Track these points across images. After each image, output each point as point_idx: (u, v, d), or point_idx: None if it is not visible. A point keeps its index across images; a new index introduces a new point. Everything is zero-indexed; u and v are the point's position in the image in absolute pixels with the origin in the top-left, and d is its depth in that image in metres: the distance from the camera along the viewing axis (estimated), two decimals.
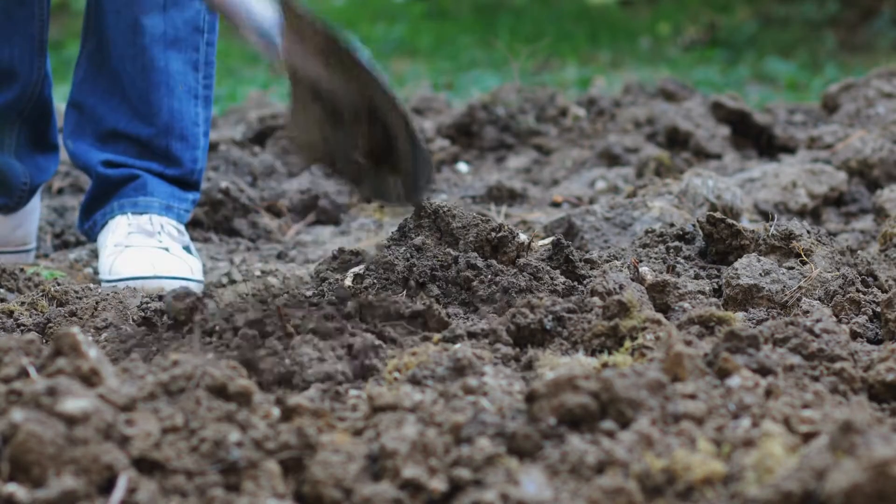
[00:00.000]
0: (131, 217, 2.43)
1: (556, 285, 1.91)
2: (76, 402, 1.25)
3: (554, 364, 1.61)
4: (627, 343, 1.65)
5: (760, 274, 1.97)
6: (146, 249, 2.37)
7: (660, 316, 1.69)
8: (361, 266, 2.08)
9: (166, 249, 2.39)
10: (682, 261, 2.14)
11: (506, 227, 2.04)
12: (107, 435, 1.25)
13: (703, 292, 1.92)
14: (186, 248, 2.44)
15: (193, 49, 2.41)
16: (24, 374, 1.38)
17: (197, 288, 2.32)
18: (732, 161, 3.61)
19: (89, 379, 1.36)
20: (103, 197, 2.48)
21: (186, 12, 2.41)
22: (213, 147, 3.38)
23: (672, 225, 2.27)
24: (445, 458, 1.28)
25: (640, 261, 2.09)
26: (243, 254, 2.79)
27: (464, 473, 1.25)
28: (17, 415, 1.23)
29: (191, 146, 2.47)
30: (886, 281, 2.05)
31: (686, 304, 1.88)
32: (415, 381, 1.52)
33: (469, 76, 6.84)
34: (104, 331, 1.87)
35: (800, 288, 1.95)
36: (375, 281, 1.98)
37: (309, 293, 1.85)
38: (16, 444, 1.21)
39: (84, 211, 2.53)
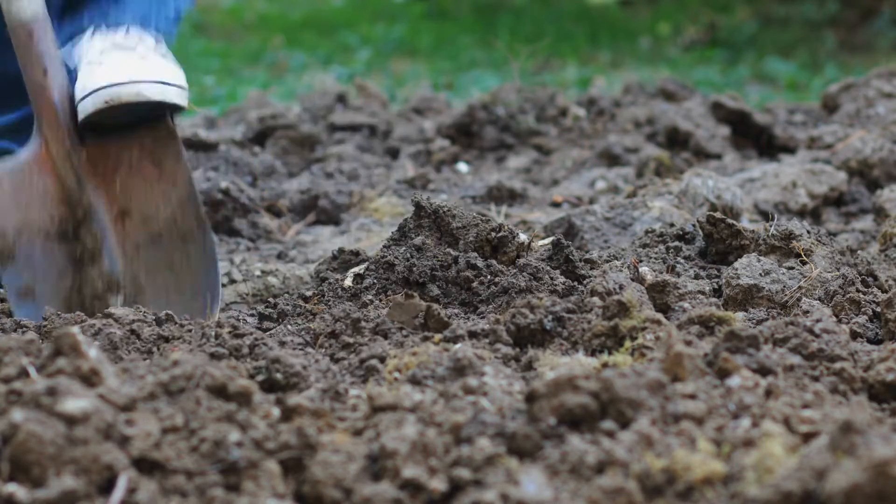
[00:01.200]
0: (103, 33, 2.19)
1: (556, 285, 1.91)
2: (76, 402, 1.25)
3: (554, 364, 1.61)
4: (627, 343, 1.65)
5: (760, 274, 1.97)
6: (122, 61, 2.13)
7: (660, 316, 1.69)
8: (361, 266, 2.09)
9: (143, 59, 2.16)
10: (682, 261, 2.14)
11: (506, 227, 2.04)
12: (107, 435, 1.25)
13: (703, 292, 1.92)
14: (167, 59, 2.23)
15: None
16: (24, 374, 1.38)
17: (178, 93, 2.11)
18: (732, 161, 3.60)
19: (89, 379, 1.36)
20: (76, 4, 2.26)
21: None
22: (213, 147, 3.39)
23: (672, 225, 2.27)
24: (445, 458, 1.28)
25: (640, 261, 2.09)
26: (243, 254, 2.78)
27: (464, 473, 1.25)
28: (17, 415, 1.23)
29: None
30: (886, 281, 2.05)
31: (686, 304, 1.88)
32: (415, 381, 1.52)
33: (469, 76, 6.84)
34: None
35: (800, 288, 1.95)
36: (375, 281, 1.98)
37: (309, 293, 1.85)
38: (16, 444, 1.21)
39: (58, 23, 2.25)
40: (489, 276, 1.95)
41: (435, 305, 1.81)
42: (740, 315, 1.87)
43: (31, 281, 2.04)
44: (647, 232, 2.25)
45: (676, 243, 2.19)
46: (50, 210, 2.06)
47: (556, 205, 3.19)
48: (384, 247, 2.05)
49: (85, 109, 2.05)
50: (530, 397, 1.34)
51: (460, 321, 1.83)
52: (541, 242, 2.09)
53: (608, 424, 1.31)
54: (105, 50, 2.15)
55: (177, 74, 2.14)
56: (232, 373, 1.39)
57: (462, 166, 3.75)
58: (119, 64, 2.11)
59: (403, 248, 2.00)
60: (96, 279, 2.07)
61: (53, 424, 1.23)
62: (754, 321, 1.86)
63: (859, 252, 2.17)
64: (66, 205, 2.06)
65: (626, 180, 3.36)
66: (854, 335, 1.82)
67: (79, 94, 2.11)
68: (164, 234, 2.11)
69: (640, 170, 3.45)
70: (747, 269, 1.97)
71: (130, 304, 2.03)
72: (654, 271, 2.01)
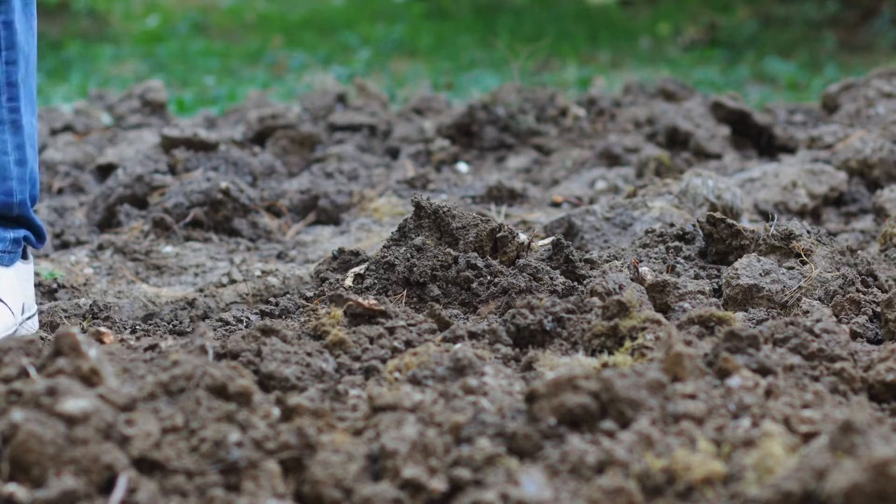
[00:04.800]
0: None
1: (555, 285, 1.91)
2: (76, 402, 1.25)
3: (554, 364, 1.61)
4: (627, 343, 1.65)
5: (760, 274, 1.97)
6: None
7: (660, 316, 1.69)
8: (362, 266, 2.09)
9: None
10: (682, 261, 2.14)
11: (506, 227, 2.04)
12: (107, 435, 1.25)
13: (703, 292, 1.92)
14: None
15: None
16: (24, 374, 1.38)
17: None
18: (732, 161, 3.61)
19: (89, 379, 1.36)
20: None
21: None
22: (213, 147, 3.39)
23: (672, 225, 2.27)
24: (445, 458, 1.28)
25: (640, 261, 2.09)
26: (243, 254, 2.79)
27: (464, 473, 1.25)
28: (17, 415, 1.23)
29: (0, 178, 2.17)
30: (886, 281, 2.05)
31: (686, 304, 1.88)
32: (415, 381, 1.52)
33: (469, 76, 6.84)
34: None
35: (800, 288, 1.95)
36: (376, 281, 1.98)
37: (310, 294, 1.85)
38: (16, 444, 1.21)
39: None
40: (489, 277, 1.95)
41: (436, 305, 1.81)
42: (740, 315, 1.87)
43: None
44: (647, 232, 2.25)
45: (676, 243, 2.19)
46: None
47: (556, 205, 3.20)
48: (384, 247, 2.05)
49: None
50: (530, 397, 1.34)
51: (460, 321, 1.83)
52: (541, 242, 2.09)
53: (608, 424, 1.31)
54: None
55: None
56: (232, 373, 1.39)
57: (462, 166, 3.75)
58: None
59: (403, 248, 2.00)
60: None
61: (53, 424, 1.23)
62: (754, 321, 1.86)
63: (859, 252, 2.17)
64: None
65: (626, 180, 3.37)
66: (854, 335, 1.82)
67: None
68: None
69: (640, 170, 3.45)
70: (747, 269, 1.97)
71: None
72: (654, 271, 2.01)
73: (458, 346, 1.66)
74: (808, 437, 1.34)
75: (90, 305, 2.28)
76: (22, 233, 2.22)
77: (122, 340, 1.87)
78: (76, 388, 1.28)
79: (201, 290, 2.49)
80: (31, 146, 2.20)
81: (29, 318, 2.18)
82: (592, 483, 1.22)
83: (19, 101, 2.17)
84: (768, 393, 1.42)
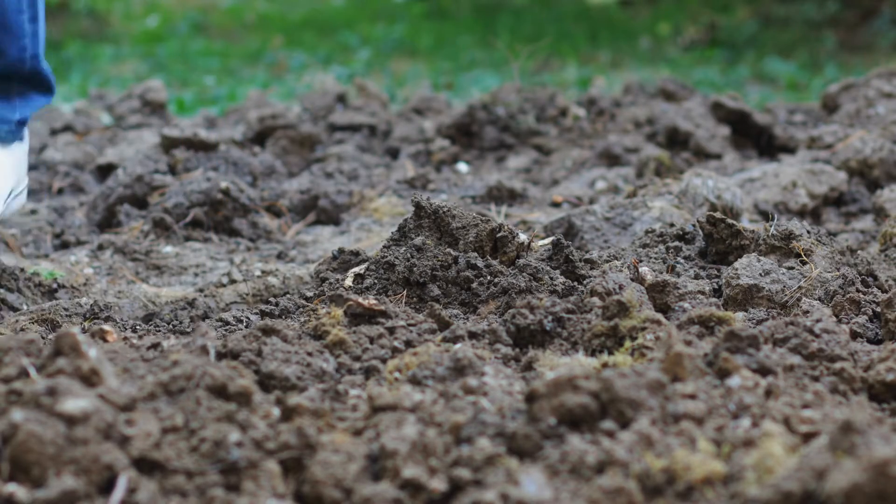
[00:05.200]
0: None
1: (555, 285, 1.91)
2: (76, 402, 1.25)
3: (554, 364, 1.61)
4: (627, 343, 1.65)
5: (760, 274, 1.97)
6: None
7: (660, 316, 1.69)
8: (362, 266, 2.09)
9: None
10: (682, 261, 2.14)
11: (506, 227, 2.04)
12: (107, 435, 1.25)
13: (703, 292, 1.92)
14: None
15: None
16: (24, 374, 1.38)
17: None
18: (732, 161, 3.61)
19: (89, 379, 1.36)
20: None
21: None
22: (213, 147, 3.39)
23: (672, 225, 2.27)
24: (445, 458, 1.28)
25: (640, 261, 2.09)
26: (243, 254, 2.78)
27: (464, 473, 1.25)
28: (17, 415, 1.23)
29: (15, 35, 2.25)
30: (886, 281, 2.05)
31: (686, 304, 1.88)
32: (415, 381, 1.52)
33: (469, 76, 6.84)
34: None
35: (800, 288, 1.95)
36: (376, 281, 1.98)
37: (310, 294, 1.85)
38: (16, 444, 1.21)
39: None
40: (489, 277, 1.95)
41: (436, 305, 1.81)
42: (740, 315, 1.87)
43: None
44: (647, 232, 2.25)
45: (676, 243, 2.19)
46: None
47: (556, 205, 3.20)
48: (384, 247, 2.05)
49: None
50: (530, 397, 1.34)
51: (460, 321, 1.83)
52: (541, 242, 2.09)
53: (608, 424, 1.31)
54: None
55: None
56: (232, 373, 1.39)
57: (462, 166, 3.75)
58: None
59: (403, 248, 2.00)
60: None
61: (53, 424, 1.23)
62: (754, 321, 1.86)
63: (859, 252, 2.17)
64: None
65: (626, 180, 3.37)
66: (854, 335, 1.82)
67: None
68: None
69: (640, 170, 3.45)
70: (747, 269, 1.97)
71: None
72: (654, 271, 2.01)
73: (458, 346, 1.66)
74: (808, 437, 1.34)
75: (90, 305, 2.28)
76: (28, 111, 2.32)
77: (125, 339, 1.87)
78: (76, 388, 1.28)
79: (201, 290, 2.49)
80: (41, 2, 2.29)
81: (18, 193, 2.25)
82: (592, 483, 1.22)
83: None
84: (768, 393, 1.42)
